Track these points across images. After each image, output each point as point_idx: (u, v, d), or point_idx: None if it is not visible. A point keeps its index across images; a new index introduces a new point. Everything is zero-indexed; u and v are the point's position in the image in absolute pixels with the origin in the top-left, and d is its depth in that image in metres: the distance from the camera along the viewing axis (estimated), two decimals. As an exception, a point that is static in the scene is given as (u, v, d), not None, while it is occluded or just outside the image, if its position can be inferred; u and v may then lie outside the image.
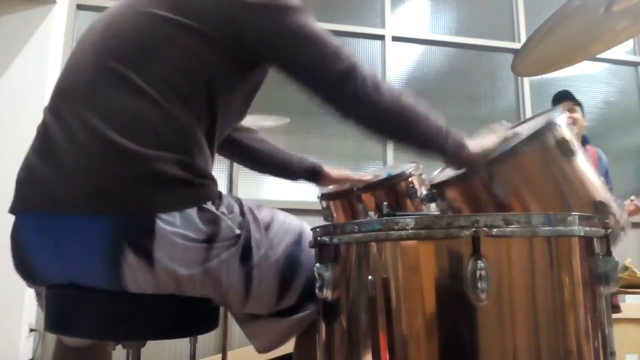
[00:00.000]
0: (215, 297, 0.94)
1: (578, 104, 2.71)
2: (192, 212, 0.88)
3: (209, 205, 0.90)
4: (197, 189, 0.90)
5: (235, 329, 2.79)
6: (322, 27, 0.97)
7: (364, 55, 3.56)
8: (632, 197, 2.53)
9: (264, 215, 0.99)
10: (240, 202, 0.99)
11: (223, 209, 0.93)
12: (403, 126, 0.98)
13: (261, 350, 1.02)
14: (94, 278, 0.88)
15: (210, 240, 0.89)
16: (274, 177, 1.45)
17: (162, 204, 0.85)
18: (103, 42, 0.94)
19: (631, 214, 2.48)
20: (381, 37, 3.56)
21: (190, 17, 0.90)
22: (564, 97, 2.74)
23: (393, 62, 3.54)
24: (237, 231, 0.92)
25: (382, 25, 3.59)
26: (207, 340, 2.76)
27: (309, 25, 0.94)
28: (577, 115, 2.66)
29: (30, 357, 2.54)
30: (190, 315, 0.95)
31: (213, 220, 0.90)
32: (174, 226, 0.86)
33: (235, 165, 2.47)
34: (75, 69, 0.96)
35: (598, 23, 1.24)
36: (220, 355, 2.21)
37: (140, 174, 0.85)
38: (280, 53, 0.95)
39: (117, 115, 0.87)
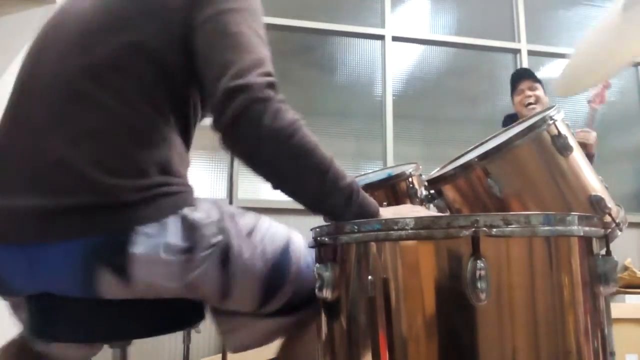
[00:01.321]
0: (194, 298, 0.93)
1: (538, 80, 2.66)
2: (171, 220, 0.85)
3: (187, 212, 0.87)
4: (175, 198, 0.87)
5: (235, 329, 2.79)
6: (262, 34, 0.89)
7: (364, 55, 3.56)
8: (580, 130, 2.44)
9: (246, 222, 0.95)
10: (220, 208, 0.94)
11: (201, 215, 0.89)
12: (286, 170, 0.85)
13: (235, 348, 0.99)
14: (70, 291, 0.86)
15: (189, 250, 0.86)
16: None
17: (138, 218, 0.83)
18: (71, 57, 0.89)
19: (582, 139, 2.38)
20: (381, 37, 3.56)
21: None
22: (522, 76, 2.71)
23: (393, 62, 3.54)
24: (215, 239, 0.88)
25: (382, 25, 3.59)
26: (207, 340, 2.76)
27: (236, 23, 0.86)
28: (539, 92, 2.61)
29: (30, 357, 2.54)
30: (175, 312, 0.94)
31: (192, 229, 0.86)
32: (152, 237, 0.83)
33: (235, 165, 2.47)
34: (39, 84, 0.90)
35: (617, 32, 1.24)
36: (220, 356, 2.21)
37: (113, 205, 0.82)
38: (197, 40, 0.87)
39: (87, 143, 0.83)
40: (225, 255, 0.88)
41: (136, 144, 0.85)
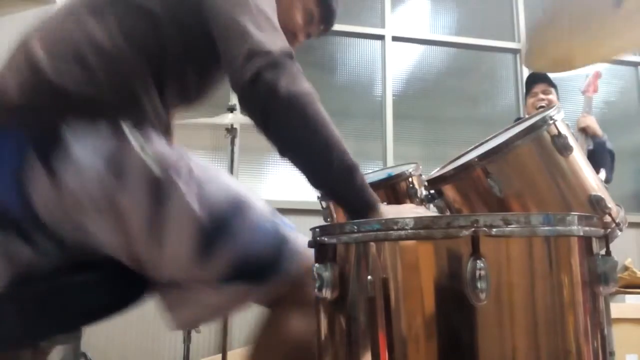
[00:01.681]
0: (123, 249, 0.87)
1: (553, 85, 2.73)
2: (106, 128, 0.85)
3: (129, 133, 0.85)
4: (120, 113, 0.87)
5: (235, 329, 2.79)
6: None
7: (364, 55, 3.56)
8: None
9: (202, 172, 0.91)
10: (182, 154, 0.91)
11: (148, 149, 0.86)
12: (307, 139, 0.86)
13: (181, 324, 0.94)
14: (4, 196, 0.84)
15: (118, 170, 0.83)
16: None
17: (73, 109, 0.84)
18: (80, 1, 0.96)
19: (584, 123, 2.50)
20: (381, 37, 3.56)
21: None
22: (538, 79, 2.75)
23: (393, 62, 3.54)
24: (155, 171, 0.84)
25: (382, 25, 3.59)
26: (207, 340, 2.76)
27: None
28: (552, 97, 2.68)
29: (30, 357, 2.54)
30: (109, 290, 0.92)
31: (125, 151, 0.84)
32: (83, 137, 0.83)
33: (235, 164, 2.48)
34: (46, 19, 0.97)
35: (609, 21, 1.24)
36: (220, 356, 2.21)
37: (54, 97, 0.85)
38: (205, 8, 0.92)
39: (56, 48, 0.88)
40: (159, 191, 0.85)
41: (100, 64, 0.88)
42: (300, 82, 0.86)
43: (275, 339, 0.95)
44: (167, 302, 0.94)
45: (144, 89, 0.91)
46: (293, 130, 0.86)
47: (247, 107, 0.87)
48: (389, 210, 0.89)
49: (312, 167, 0.88)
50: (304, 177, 0.89)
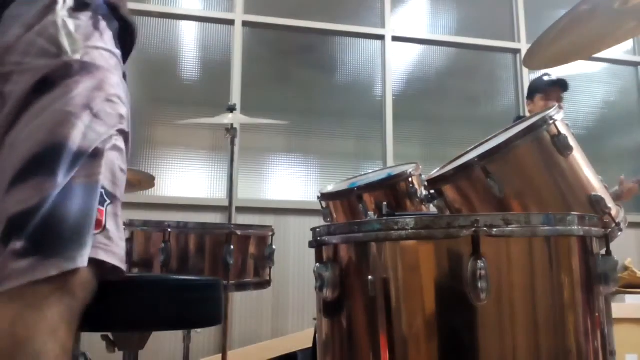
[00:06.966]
0: None
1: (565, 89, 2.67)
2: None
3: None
4: None
5: (235, 329, 2.79)
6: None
7: (364, 55, 3.56)
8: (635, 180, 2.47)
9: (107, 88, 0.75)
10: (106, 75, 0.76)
11: (71, 23, 0.73)
12: None
13: None
14: None
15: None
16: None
17: None
18: None
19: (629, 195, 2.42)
20: (381, 37, 3.56)
21: None
22: (559, 85, 2.67)
23: (393, 62, 3.54)
24: (68, 53, 0.71)
25: (382, 25, 3.59)
26: (206, 340, 2.76)
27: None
28: (562, 104, 2.66)
29: (31, 357, 2.54)
30: None
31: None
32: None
33: (235, 164, 2.47)
34: None
35: (611, 20, 1.24)
36: (220, 355, 2.21)
37: None
38: None
39: None
40: (45, 80, 0.70)
41: None
42: None
43: None
44: None
45: None
46: None
47: None
48: None
49: None
50: None
